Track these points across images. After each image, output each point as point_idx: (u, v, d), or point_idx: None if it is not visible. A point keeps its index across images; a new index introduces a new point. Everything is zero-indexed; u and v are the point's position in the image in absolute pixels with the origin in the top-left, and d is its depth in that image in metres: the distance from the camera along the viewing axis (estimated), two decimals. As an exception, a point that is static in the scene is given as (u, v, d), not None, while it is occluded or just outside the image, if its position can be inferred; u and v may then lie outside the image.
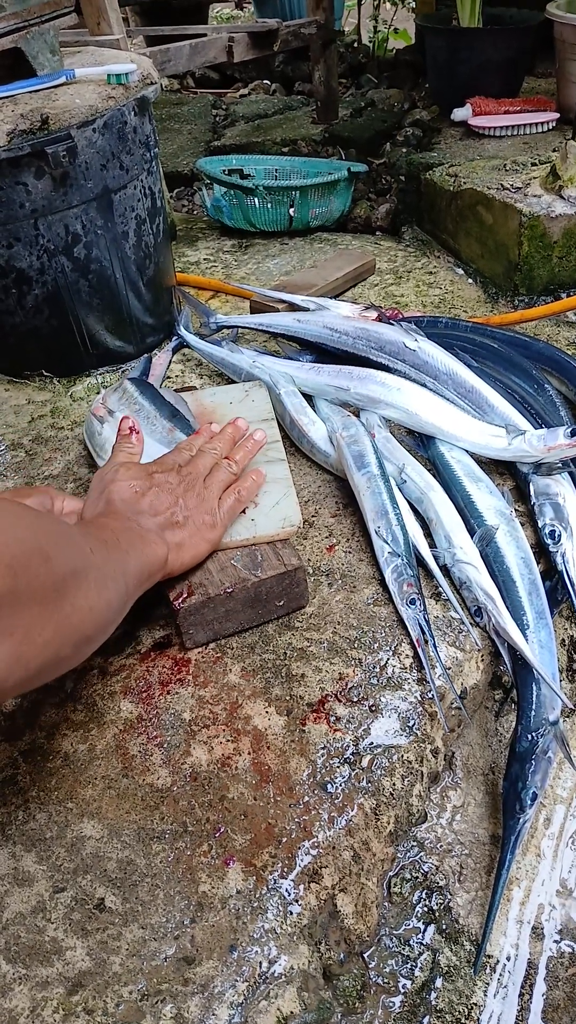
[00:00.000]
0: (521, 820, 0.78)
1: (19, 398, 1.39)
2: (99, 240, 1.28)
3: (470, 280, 1.64)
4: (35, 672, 0.59)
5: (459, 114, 1.98)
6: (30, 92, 1.22)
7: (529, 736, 0.81)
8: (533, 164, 1.65)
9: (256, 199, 1.84)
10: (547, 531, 0.96)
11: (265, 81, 3.34)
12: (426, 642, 0.85)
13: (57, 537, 0.63)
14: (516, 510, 1.00)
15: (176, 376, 1.40)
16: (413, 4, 3.23)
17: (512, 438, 1.02)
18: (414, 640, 0.85)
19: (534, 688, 0.83)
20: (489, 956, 0.77)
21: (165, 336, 1.48)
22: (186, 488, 0.87)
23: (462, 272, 1.68)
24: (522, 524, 0.98)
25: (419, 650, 0.84)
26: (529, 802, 0.78)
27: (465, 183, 1.62)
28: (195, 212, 2.31)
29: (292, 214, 1.87)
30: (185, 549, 0.84)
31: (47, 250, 1.25)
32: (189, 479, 0.88)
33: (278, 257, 1.82)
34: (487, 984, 0.76)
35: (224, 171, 2.01)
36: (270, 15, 3.18)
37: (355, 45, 3.48)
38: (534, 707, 0.82)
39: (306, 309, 1.36)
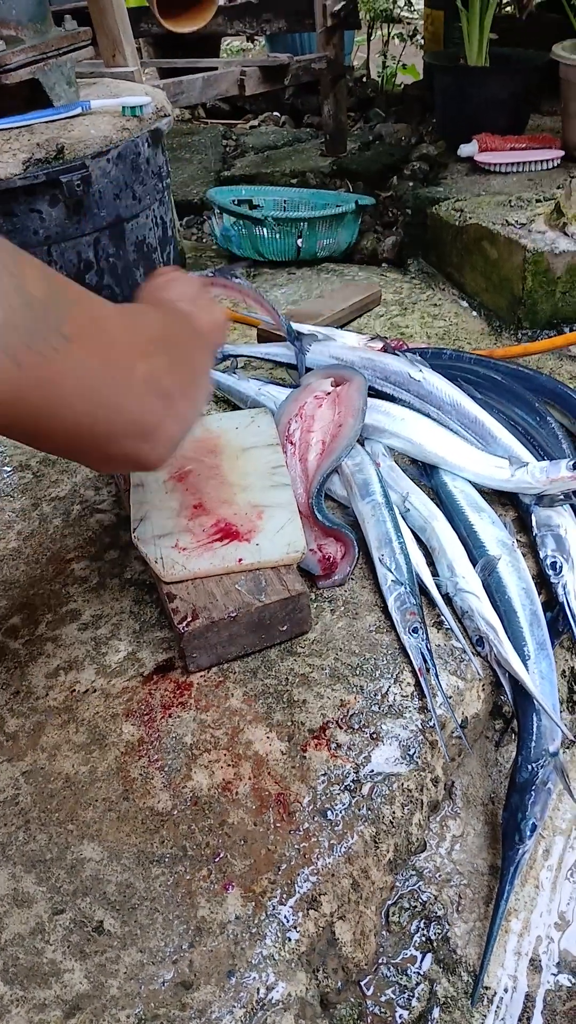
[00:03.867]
0: (520, 851, 0.78)
1: (27, 420, 1.40)
2: (111, 267, 1.30)
3: (474, 313, 1.67)
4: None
5: (465, 150, 2.02)
6: (46, 122, 1.25)
7: (529, 767, 0.81)
8: (538, 201, 1.67)
9: (265, 229, 1.86)
10: (549, 562, 0.97)
11: (275, 113, 3.40)
12: (428, 670, 0.86)
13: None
14: (518, 540, 1.01)
15: (183, 402, 1.41)
16: (421, 41, 3.29)
17: (515, 469, 1.03)
18: (416, 668, 0.86)
19: (535, 719, 0.83)
20: (487, 987, 0.77)
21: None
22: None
23: (466, 305, 1.70)
24: (524, 555, 0.99)
25: (421, 678, 0.85)
26: (529, 833, 0.78)
27: (471, 218, 1.65)
28: (204, 240, 2.34)
29: (300, 245, 1.90)
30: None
31: (59, 276, 1.26)
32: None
33: (285, 287, 1.84)
34: (484, 1016, 0.76)
35: (234, 201, 2.05)
36: (281, 50, 3.24)
37: (364, 80, 3.54)
38: (534, 738, 0.82)
39: (314, 337, 1.38)
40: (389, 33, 3.74)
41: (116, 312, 0.64)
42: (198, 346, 0.79)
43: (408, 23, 3.91)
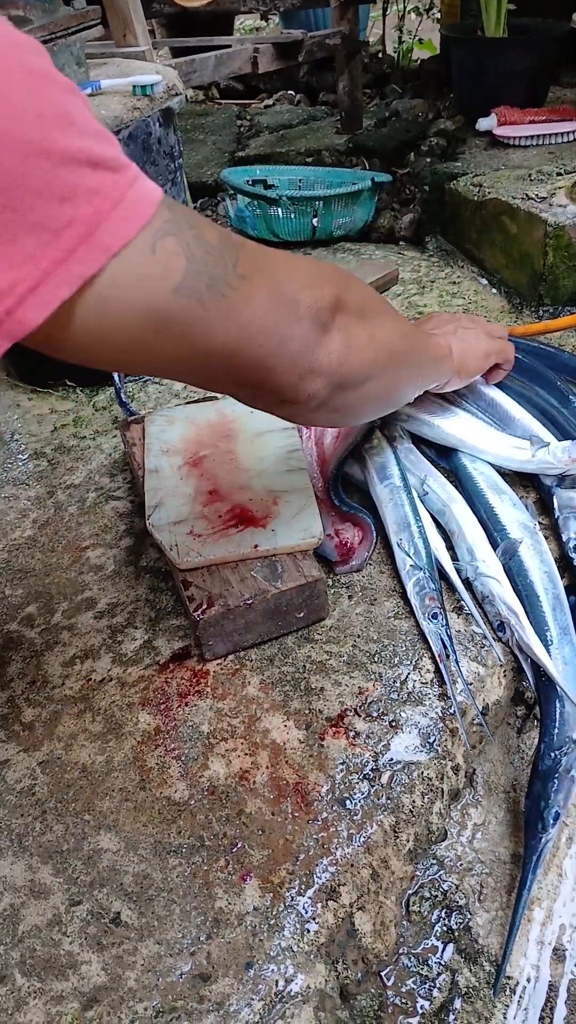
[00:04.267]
0: (543, 839, 0.76)
1: (42, 407, 1.39)
2: (123, 250, 1.29)
3: (494, 290, 1.63)
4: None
5: (484, 124, 1.97)
6: (56, 104, 1.23)
7: (552, 754, 0.79)
8: (559, 174, 1.63)
9: (279, 209, 1.84)
10: (572, 545, 0.95)
11: (289, 92, 3.35)
12: (447, 657, 0.84)
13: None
14: (540, 523, 0.99)
15: (198, 386, 1.40)
16: (438, 15, 3.23)
17: (536, 450, 1.00)
18: (435, 655, 0.84)
19: (558, 705, 0.82)
20: (509, 978, 0.76)
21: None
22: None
23: (486, 282, 1.67)
24: (546, 537, 0.97)
25: (440, 665, 0.83)
26: (552, 821, 0.76)
27: (490, 193, 1.62)
28: (218, 222, 2.32)
29: (315, 224, 1.87)
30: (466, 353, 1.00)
31: (71, 260, 1.25)
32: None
33: (301, 267, 1.82)
34: (507, 1007, 0.74)
35: (248, 181, 2.02)
36: (295, 26, 3.19)
37: (379, 55, 3.48)
38: (557, 725, 0.81)
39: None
40: (405, 7, 3.67)
41: (280, 253, 0.67)
42: (402, 333, 0.82)
43: (424, -5, 3.84)
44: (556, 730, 0.80)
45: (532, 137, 1.89)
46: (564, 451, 0.98)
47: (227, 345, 0.61)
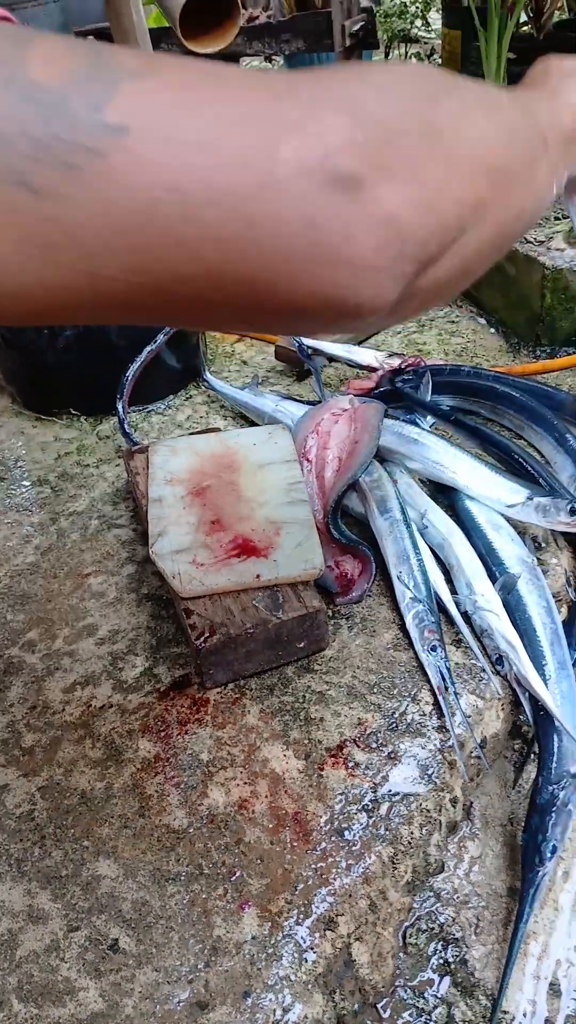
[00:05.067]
0: (540, 873, 0.77)
1: (46, 435, 1.41)
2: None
3: (492, 330, 1.66)
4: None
5: (483, 168, 2.02)
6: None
7: (550, 788, 0.80)
8: (556, 218, 1.67)
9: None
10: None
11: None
12: (446, 689, 0.85)
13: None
14: (538, 559, 1.00)
15: (201, 417, 1.42)
16: (439, 60, 3.31)
17: (520, 507, 1.00)
18: (435, 687, 0.85)
19: (556, 740, 0.82)
20: (505, 1012, 0.76)
21: (191, 379, 1.51)
22: None
23: (484, 322, 1.70)
24: (544, 572, 0.98)
25: (439, 697, 0.84)
26: (549, 855, 0.77)
27: (489, 235, 1.65)
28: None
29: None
30: None
31: (79, 292, 1.27)
32: None
33: (303, 303, 1.85)
34: (503, 1042, 0.74)
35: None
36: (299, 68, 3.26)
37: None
38: (556, 759, 0.81)
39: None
40: (407, 53, 3.76)
41: (236, 72, 0.38)
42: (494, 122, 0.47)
43: (425, 43, 3.94)
44: (554, 764, 0.81)
45: (530, 182, 1.94)
46: (539, 511, 0.98)
47: (135, 259, 0.35)
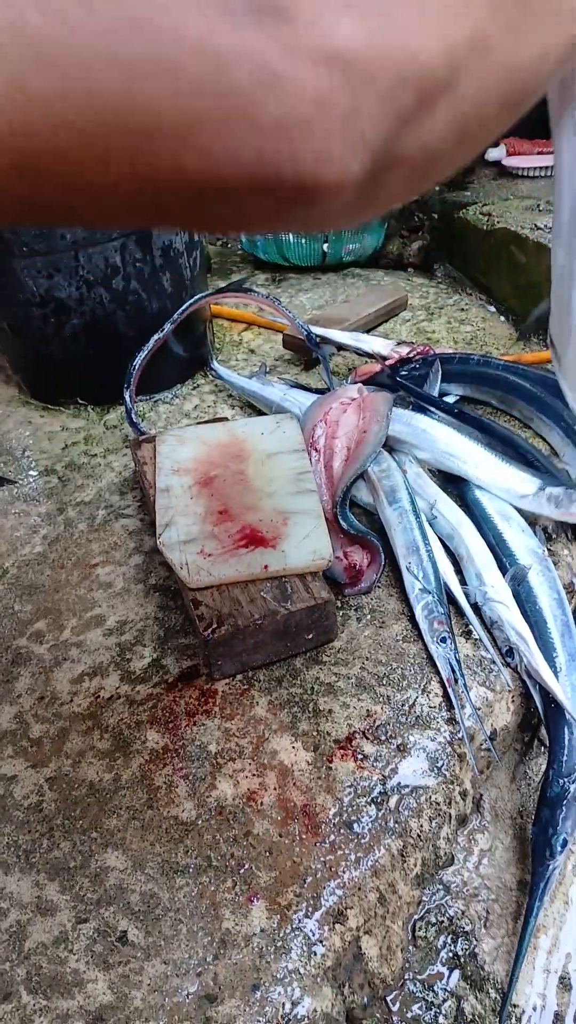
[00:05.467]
0: (551, 866, 0.76)
1: (53, 425, 1.40)
2: (137, 273, 1.30)
3: (502, 318, 1.65)
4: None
5: (493, 154, 2.00)
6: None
7: (560, 781, 0.79)
8: (567, 205, 1.66)
9: (291, 234, 1.86)
10: (579, 572, 0.95)
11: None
12: (456, 681, 0.84)
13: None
14: (549, 550, 0.99)
15: (208, 407, 1.41)
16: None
17: (533, 497, 1.00)
18: (444, 679, 0.85)
19: (566, 732, 0.82)
20: (515, 1005, 0.75)
21: (199, 368, 1.50)
22: None
23: (494, 310, 1.68)
24: (555, 563, 0.97)
25: (449, 689, 0.84)
26: (559, 848, 0.76)
27: (498, 222, 1.64)
28: (229, 245, 2.34)
29: (326, 250, 1.89)
30: None
31: (86, 281, 1.27)
32: None
33: (311, 291, 1.84)
34: (512, 1035, 0.74)
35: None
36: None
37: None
38: (566, 751, 0.81)
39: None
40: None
41: None
42: None
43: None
44: (565, 757, 0.81)
45: (541, 168, 1.92)
46: (552, 501, 0.97)
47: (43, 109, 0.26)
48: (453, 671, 0.85)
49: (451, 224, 1.84)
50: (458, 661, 0.86)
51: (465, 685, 0.84)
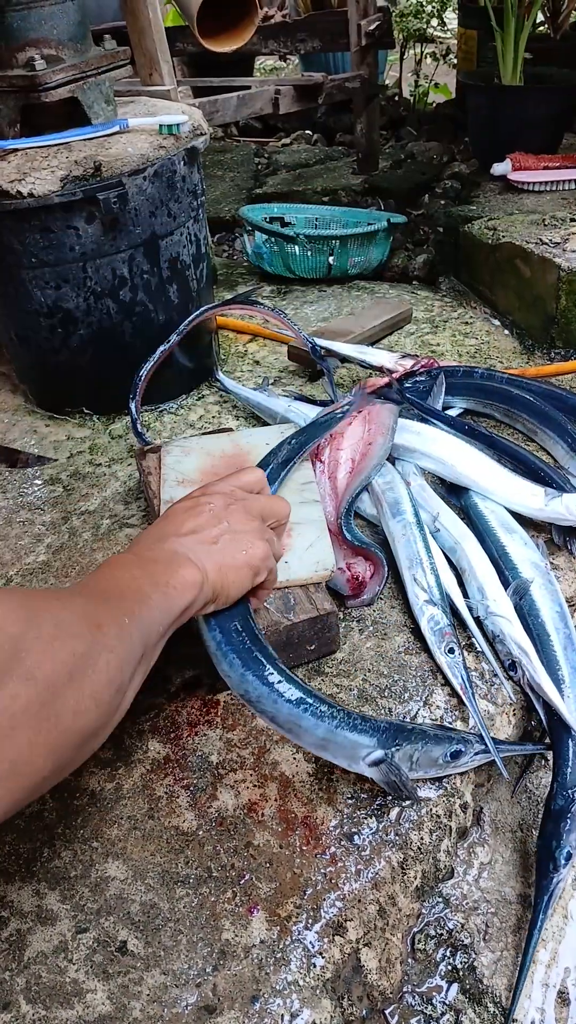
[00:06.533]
0: (555, 880, 0.76)
1: (59, 434, 1.41)
2: (144, 284, 1.31)
3: (506, 331, 1.66)
4: (26, 796, 0.53)
5: (498, 168, 2.01)
6: (84, 140, 1.26)
7: (565, 794, 0.79)
8: (572, 219, 1.66)
9: (297, 247, 1.87)
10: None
11: (306, 132, 3.42)
12: (466, 690, 0.84)
13: (52, 633, 0.54)
14: (551, 563, 0.99)
15: (213, 417, 1.42)
16: (454, 60, 3.30)
17: (549, 500, 1.01)
18: (457, 688, 0.85)
19: (571, 745, 0.82)
20: (515, 1020, 0.75)
21: (204, 379, 1.51)
22: (228, 505, 0.75)
23: (498, 323, 1.69)
24: (557, 577, 0.98)
25: (464, 697, 0.84)
26: (564, 861, 0.76)
27: (504, 237, 1.64)
28: (235, 257, 2.35)
29: (331, 262, 1.90)
30: (226, 570, 0.71)
31: (94, 292, 1.28)
32: (234, 499, 0.76)
33: (316, 304, 1.84)
34: (512, 1050, 0.74)
35: (265, 219, 2.05)
36: (315, 69, 3.25)
37: (396, 98, 3.56)
38: (570, 765, 0.81)
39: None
40: (422, 52, 3.75)
41: None
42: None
43: (441, 43, 3.93)
44: (569, 770, 0.81)
45: (546, 183, 1.93)
46: None
47: None
48: (463, 681, 0.85)
49: (456, 238, 1.84)
50: (467, 671, 0.86)
51: (472, 695, 0.84)
